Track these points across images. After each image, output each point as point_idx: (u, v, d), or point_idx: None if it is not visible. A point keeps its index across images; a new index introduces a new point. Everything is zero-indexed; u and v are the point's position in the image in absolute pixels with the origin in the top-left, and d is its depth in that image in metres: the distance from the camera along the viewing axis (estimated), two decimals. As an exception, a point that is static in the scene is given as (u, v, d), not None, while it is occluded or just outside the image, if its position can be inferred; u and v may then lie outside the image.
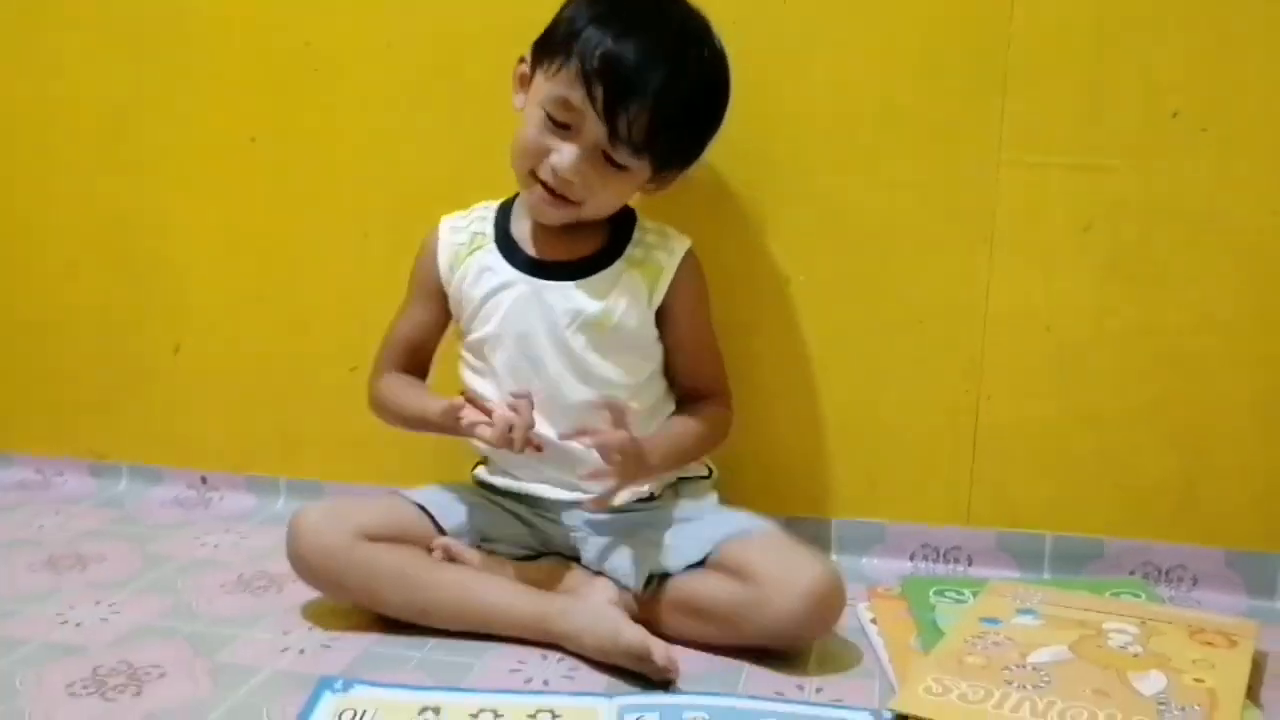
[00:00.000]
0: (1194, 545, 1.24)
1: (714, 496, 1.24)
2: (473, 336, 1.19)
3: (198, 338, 1.52)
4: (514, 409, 1.07)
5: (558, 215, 1.13)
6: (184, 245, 1.49)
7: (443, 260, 1.20)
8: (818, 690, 1.01)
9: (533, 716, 0.96)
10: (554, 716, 0.96)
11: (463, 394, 1.12)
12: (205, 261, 1.49)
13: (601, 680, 1.02)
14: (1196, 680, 0.98)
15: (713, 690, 0.99)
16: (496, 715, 0.96)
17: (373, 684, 1.01)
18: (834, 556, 1.31)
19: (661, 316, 1.18)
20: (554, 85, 1.08)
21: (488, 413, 1.08)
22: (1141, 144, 1.19)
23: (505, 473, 1.21)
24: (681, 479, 1.23)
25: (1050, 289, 1.23)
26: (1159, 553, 1.25)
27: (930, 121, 1.23)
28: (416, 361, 1.24)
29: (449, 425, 1.10)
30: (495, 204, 1.24)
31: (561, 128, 1.09)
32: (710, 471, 1.26)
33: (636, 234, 1.19)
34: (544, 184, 1.12)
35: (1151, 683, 0.98)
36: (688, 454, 1.18)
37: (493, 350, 1.17)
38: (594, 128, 1.07)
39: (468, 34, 1.33)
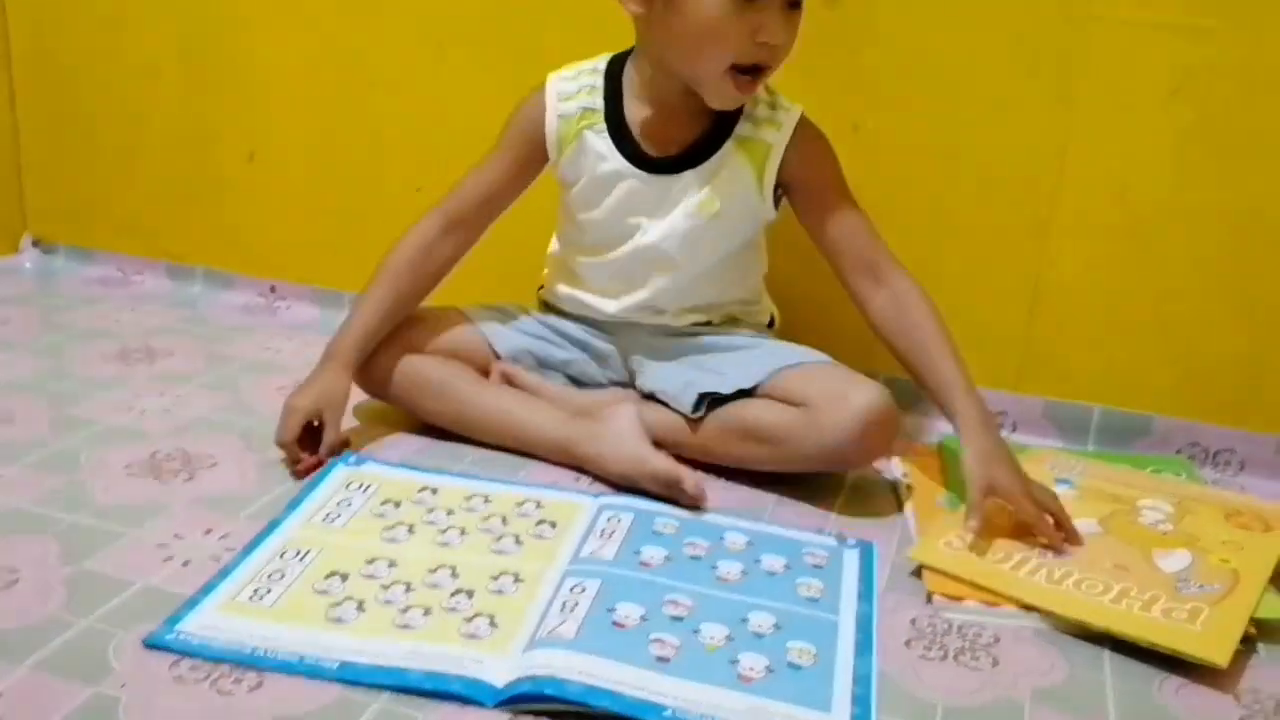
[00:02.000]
0: (1246, 430, 1.22)
1: (769, 339, 1.24)
2: (581, 215, 1.17)
3: (271, 148, 1.54)
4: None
5: (755, 90, 1.09)
6: (262, 55, 1.50)
7: (550, 130, 1.15)
8: (837, 531, 1.03)
9: (520, 504, 1.03)
10: (538, 506, 1.03)
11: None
12: (282, 73, 1.50)
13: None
14: (1222, 560, 0.98)
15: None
16: (486, 500, 1.03)
17: (382, 462, 1.09)
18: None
19: (790, 195, 1.15)
20: None
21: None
22: (1241, 3, 1.12)
23: (570, 287, 1.22)
24: (739, 319, 1.23)
25: (1128, 154, 1.19)
26: (1208, 434, 1.23)
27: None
28: (481, 215, 1.19)
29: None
30: (603, 66, 1.16)
31: (751, 1, 1.01)
32: (772, 320, 1.27)
33: (748, 107, 1.13)
34: (746, 68, 1.05)
35: (1175, 560, 0.98)
36: (964, 367, 1.09)
37: (599, 233, 1.17)
38: None
39: None
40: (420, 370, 1.15)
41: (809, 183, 1.14)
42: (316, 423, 1.10)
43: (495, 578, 0.90)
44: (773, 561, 0.96)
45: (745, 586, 0.91)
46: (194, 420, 1.18)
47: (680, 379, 1.13)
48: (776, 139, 1.12)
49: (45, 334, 1.40)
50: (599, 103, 1.15)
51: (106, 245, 1.67)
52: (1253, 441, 1.22)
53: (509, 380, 1.19)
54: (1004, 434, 1.26)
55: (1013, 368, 1.28)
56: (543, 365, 1.20)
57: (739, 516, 1.03)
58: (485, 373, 1.19)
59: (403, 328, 1.17)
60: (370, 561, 0.91)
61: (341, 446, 1.12)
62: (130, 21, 1.56)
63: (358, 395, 1.19)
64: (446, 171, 1.26)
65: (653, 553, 0.95)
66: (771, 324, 1.26)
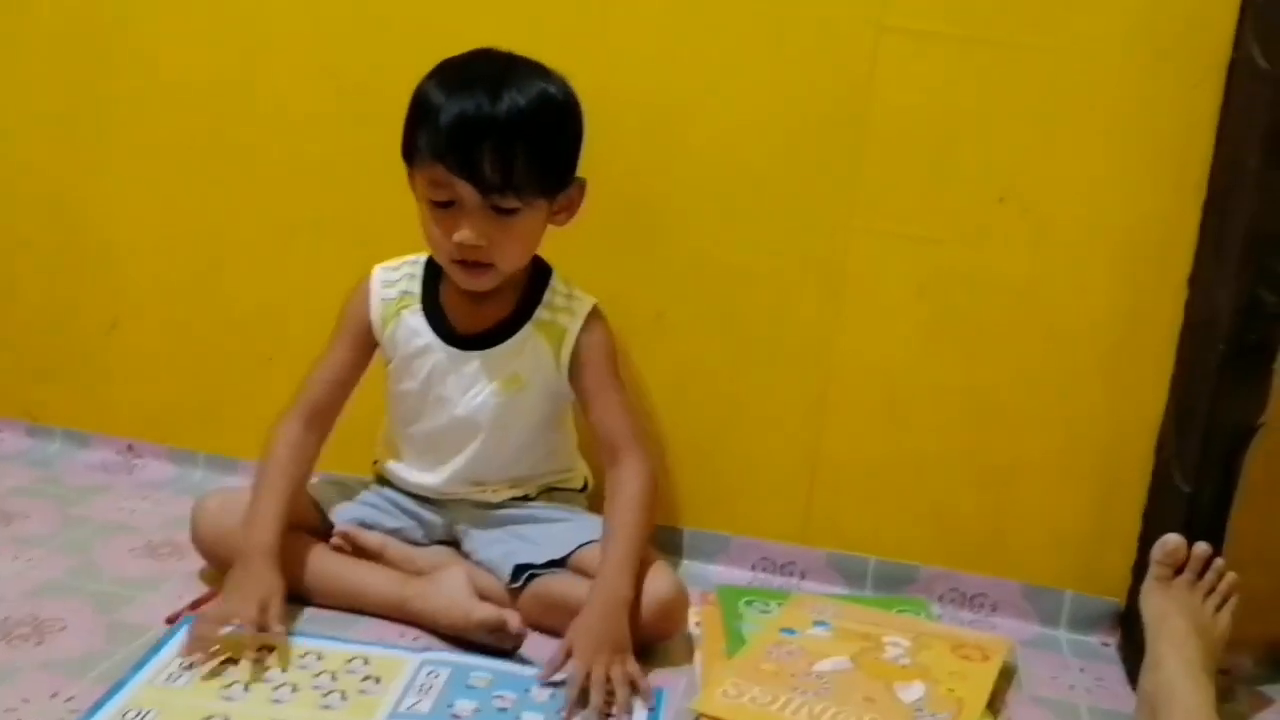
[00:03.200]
0: (995, 577, 1.41)
1: (583, 503, 1.39)
2: (399, 387, 1.32)
3: (132, 318, 1.65)
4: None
5: (484, 281, 1.24)
6: (125, 234, 1.62)
7: (374, 312, 1.31)
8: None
9: (349, 661, 1.15)
10: (366, 663, 1.14)
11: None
12: (143, 250, 1.62)
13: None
14: (949, 690, 1.15)
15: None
16: (319, 657, 1.15)
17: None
18: (684, 562, 1.47)
19: (571, 372, 1.30)
20: (421, 175, 1.20)
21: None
22: (971, 222, 1.35)
23: (396, 461, 1.36)
24: (555, 488, 1.38)
25: (887, 342, 1.39)
26: (964, 581, 1.42)
27: (791, 187, 1.38)
28: (333, 400, 1.32)
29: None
30: (423, 259, 1.32)
31: (446, 206, 1.19)
32: (585, 484, 1.42)
33: (547, 295, 1.30)
34: (461, 261, 1.22)
35: (913, 691, 1.15)
36: (637, 549, 1.20)
37: (414, 403, 1.31)
38: (466, 190, 1.17)
39: (390, 54, 1.43)
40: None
41: (585, 364, 1.29)
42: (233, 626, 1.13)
43: None
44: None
45: None
46: (46, 584, 1.26)
47: (500, 549, 1.27)
48: (571, 324, 1.29)
49: (-99, 497, 1.47)
50: (416, 288, 1.31)
51: (-35, 405, 1.74)
52: (1002, 586, 1.41)
53: (349, 540, 1.30)
54: (794, 581, 1.45)
55: (798, 523, 1.46)
56: (370, 531, 1.32)
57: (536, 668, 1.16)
58: (321, 538, 1.30)
59: (241, 506, 1.25)
60: (207, 719, 1.02)
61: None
62: (2, 204, 1.66)
63: (200, 562, 1.30)
64: (293, 341, 1.41)
65: (464, 705, 1.07)
66: (585, 488, 1.41)
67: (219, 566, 1.28)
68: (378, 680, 1.11)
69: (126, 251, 1.63)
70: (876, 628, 1.28)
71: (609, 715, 1.08)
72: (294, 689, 1.08)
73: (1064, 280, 1.34)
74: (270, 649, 1.13)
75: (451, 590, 1.22)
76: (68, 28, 1.59)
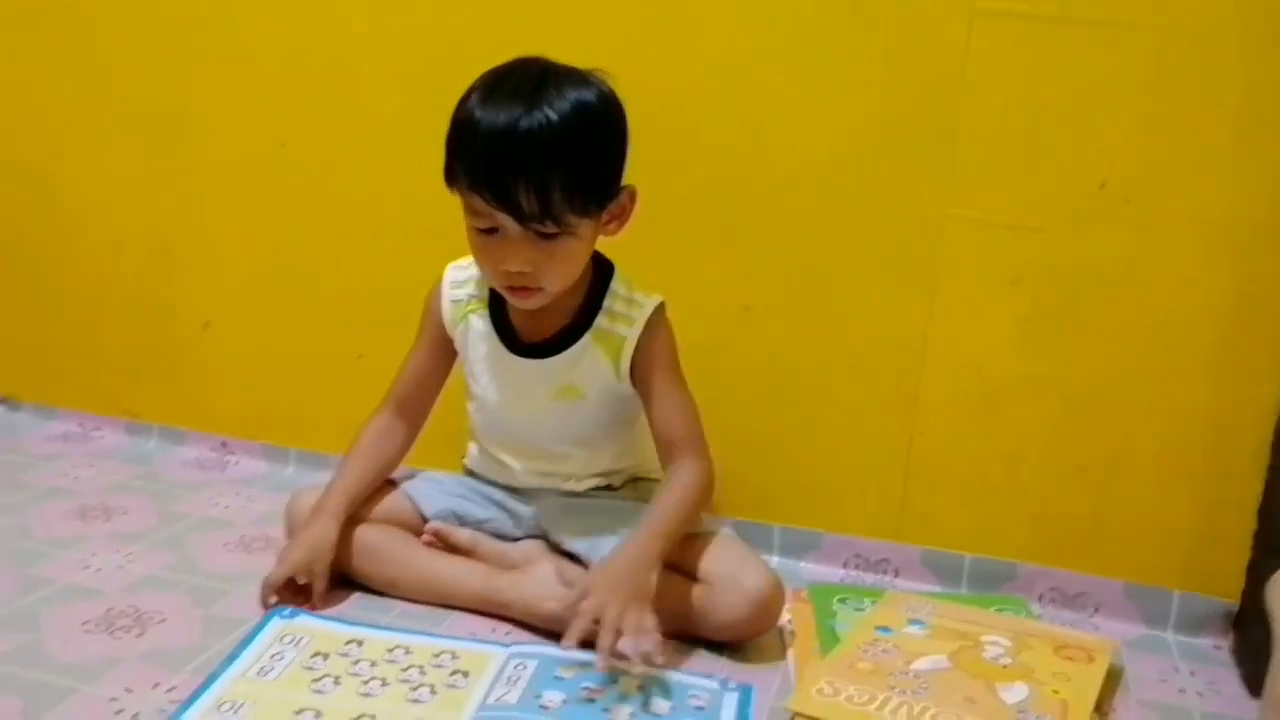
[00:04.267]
0: (1097, 575, 1.37)
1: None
2: (472, 387, 1.33)
3: (225, 317, 1.68)
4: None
5: (535, 302, 1.21)
6: (218, 235, 1.66)
7: (445, 313, 1.31)
8: (725, 678, 1.15)
9: (437, 655, 1.14)
10: (454, 657, 1.14)
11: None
12: (236, 250, 1.65)
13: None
14: (1054, 691, 1.11)
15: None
16: (407, 651, 1.15)
17: (315, 616, 1.21)
18: (775, 559, 1.45)
19: (632, 376, 1.27)
20: (464, 203, 1.18)
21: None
22: (1071, 210, 1.30)
23: (485, 464, 1.37)
24: (639, 478, 1.37)
25: (981, 335, 1.36)
26: (1065, 579, 1.38)
27: (882, 173, 1.35)
28: (420, 395, 1.34)
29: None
30: None
31: (491, 232, 1.17)
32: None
33: (607, 301, 1.26)
34: (509, 286, 1.20)
35: (1015, 692, 1.11)
36: (675, 528, 1.19)
37: (484, 404, 1.32)
38: (507, 220, 1.14)
39: (477, 56, 1.46)
40: (356, 536, 1.27)
41: (644, 369, 1.26)
42: (303, 580, 1.22)
43: None
44: (660, 704, 1.07)
45: None
46: (146, 578, 1.29)
47: (587, 539, 1.27)
48: (630, 333, 1.25)
49: (10, 493, 1.51)
50: (484, 292, 1.30)
51: (68, 403, 1.79)
52: (1104, 586, 1.37)
53: (441, 537, 1.31)
54: (887, 579, 1.42)
55: (892, 521, 1.43)
56: (464, 524, 1.33)
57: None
58: (417, 534, 1.31)
59: None
60: (298, 713, 1.02)
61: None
62: (97, 205, 1.71)
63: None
64: (383, 339, 1.42)
65: (552, 696, 1.06)
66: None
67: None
68: (466, 674, 1.11)
69: (219, 252, 1.66)
70: (975, 626, 1.24)
71: (621, 658, 1.06)
72: (383, 683, 1.08)
73: (1168, 269, 1.29)
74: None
75: (544, 580, 1.22)
76: (155, 32, 1.62)
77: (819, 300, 1.40)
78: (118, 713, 1.01)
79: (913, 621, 1.25)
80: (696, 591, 1.20)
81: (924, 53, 1.31)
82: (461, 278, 1.32)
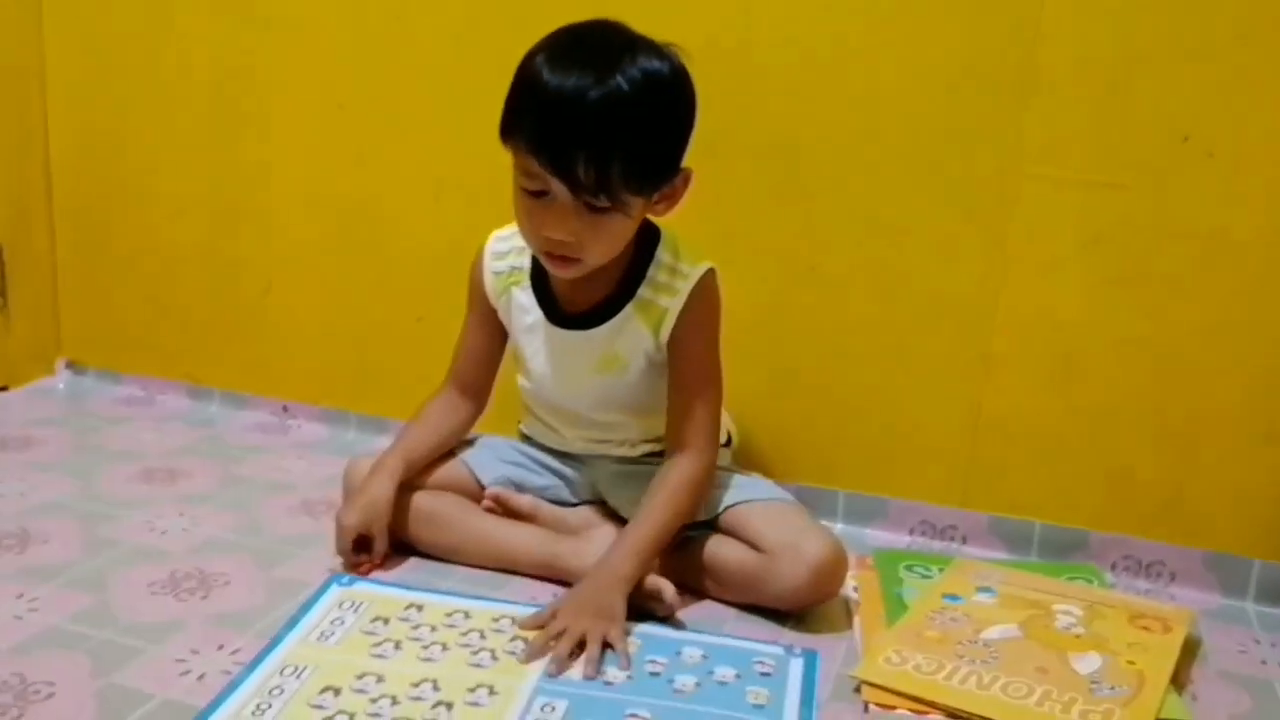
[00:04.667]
0: (1174, 544, 1.32)
1: (727, 459, 1.35)
2: (519, 357, 1.31)
3: (286, 281, 1.68)
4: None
5: (572, 272, 1.17)
6: (278, 198, 1.65)
7: (488, 284, 1.29)
8: (789, 644, 1.13)
9: (496, 620, 1.14)
10: (513, 621, 1.13)
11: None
12: (296, 214, 1.65)
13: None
14: (1129, 662, 1.08)
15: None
16: (467, 616, 1.15)
17: (373, 582, 1.20)
18: (839, 526, 1.43)
19: (669, 347, 1.23)
20: (517, 161, 1.13)
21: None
22: (1152, 165, 1.25)
23: (540, 431, 1.36)
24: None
25: (1057, 292, 1.31)
26: (1140, 547, 1.34)
27: (955, 131, 1.31)
28: (479, 369, 1.33)
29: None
30: None
31: (539, 195, 1.12)
32: (729, 439, 1.37)
33: (650, 271, 1.22)
34: (548, 253, 1.16)
35: (1088, 663, 1.08)
36: (655, 542, 1.16)
37: (530, 374, 1.30)
38: (560, 187, 1.10)
39: (536, 16, 1.43)
40: (413, 503, 1.26)
41: (678, 344, 1.23)
42: (366, 534, 1.22)
43: (472, 690, 1.01)
44: (725, 672, 1.06)
45: (699, 697, 1.02)
46: (210, 540, 1.30)
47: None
48: (672, 304, 1.21)
49: (77, 456, 1.53)
50: (525, 262, 1.27)
51: (132, 368, 1.81)
52: (1181, 554, 1.32)
53: (501, 503, 1.30)
54: (954, 546, 1.39)
55: (959, 486, 1.39)
56: (522, 491, 1.32)
57: (699, 631, 1.14)
58: (476, 502, 1.30)
59: None
60: (360, 677, 1.02)
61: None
62: (162, 168, 1.71)
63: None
64: (443, 302, 1.40)
65: (615, 671, 1.05)
66: (728, 442, 1.37)
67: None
68: (526, 640, 1.10)
69: (279, 217, 1.66)
70: (1046, 595, 1.21)
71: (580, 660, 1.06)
72: (444, 647, 1.08)
73: (1254, 225, 1.24)
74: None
75: (601, 548, 1.20)
76: (219, 7, 1.62)
77: (886, 260, 1.37)
78: (184, 673, 1.02)
79: (982, 589, 1.22)
80: (758, 560, 1.17)
81: (997, 3, 1.26)
82: (503, 249, 1.29)
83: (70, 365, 1.85)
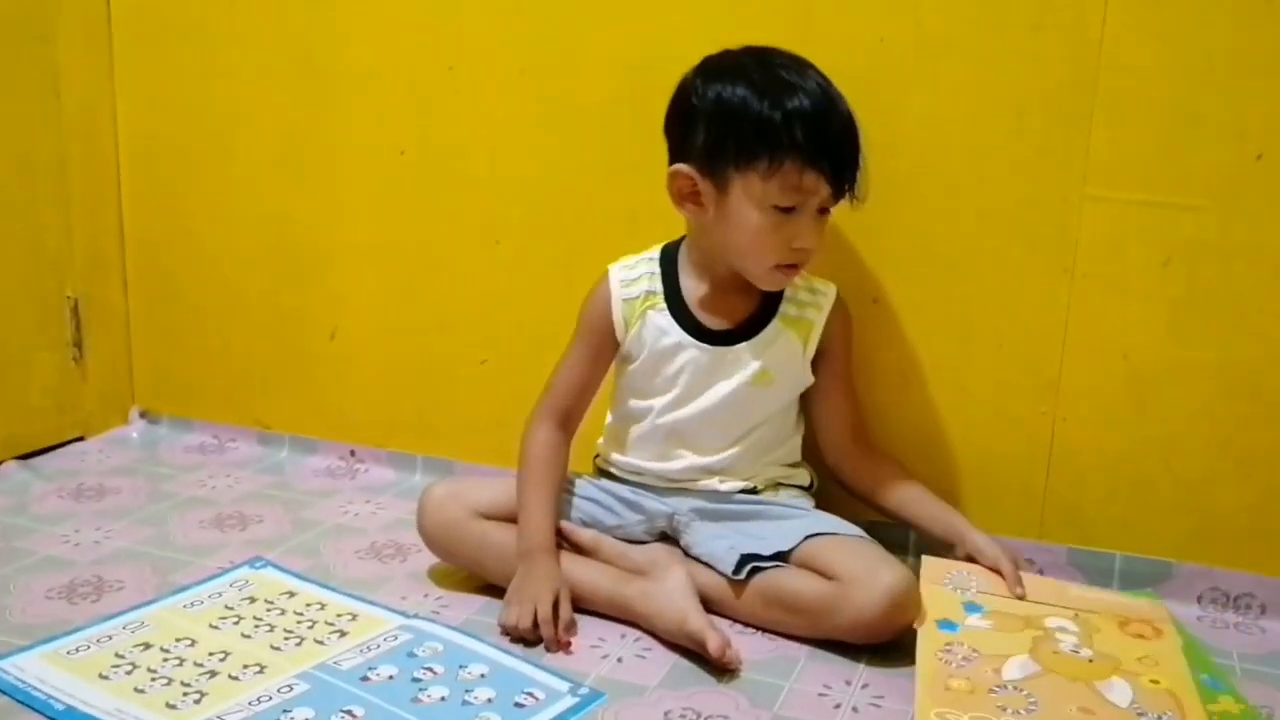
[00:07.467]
0: (1264, 575, 1.28)
1: (810, 502, 1.34)
2: (647, 383, 1.31)
3: (351, 326, 1.70)
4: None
5: (794, 278, 1.27)
6: (341, 244, 1.68)
7: (616, 312, 1.30)
8: (863, 686, 1.11)
9: (339, 615, 1.21)
10: (353, 619, 1.19)
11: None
12: (359, 259, 1.67)
13: (669, 660, 1.15)
14: (1153, 681, 1.06)
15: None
16: (321, 608, 1.22)
17: (279, 568, 1.32)
18: (912, 560, 1.39)
19: (816, 363, 1.31)
20: (775, 182, 1.17)
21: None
22: (1224, 185, 1.22)
23: (624, 454, 1.34)
24: (782, 484, 1.33)
25: (1128, 319, 1.28)
26: (1227, 579, 1.29)
27: (1016, 155, 1.29)
28: (579, 402, 1.33)
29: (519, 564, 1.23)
30: (658, 254, 1.32)
31: (789, 210, 1.18)
32: (812, 482, 1.37)
33: (789, 289, 1.29)
34: (787, 265, 1.22)
35: (1120, 692, 1.05)
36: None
37: (662, 398, 1.30)
38: (823, 194, 1.19)
39: (588, 63, 1.45)
40: (484, 534, 1.27)
41: (833, 352, 1.31)
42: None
43: (247, 666, 1.07)
44: (483, 693, 1.05)
45: (428, 710, 1.02)
46: (281, 584, 1.31)
47: (724, 542, 1.23)
48: (818, 318, 1.30)
49: (152, 503, 1.56)
50: (659, 286, 1.30)
51: (204, 415, 1.83)
52: (1271, 586, 1.28)
53: (564, 536, 1.29)
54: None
55: (1035, 519, 1.36)
56: (589, 527, 1.31)
57: (509, 652, 1.15)
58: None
59: (466, 496, 1.30)
60: (178, 640, 1.10)
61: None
62: (228, 219, 1.75)
63: (419, 564, 1.33)
64: (506, 345, 1.41)
65: (386, 670, 1.07)
66: (811, 485, 1.36)
67: (442, 555, 1.31)
68: (344, 634, 1.14)
69: (343, 263, 1.68)
70: (1030, 607, 1.18)
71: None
72: (271, 629, 1.14)
73: (1334, 244, 1.20)
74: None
75: (673, 592, 1.19)
76: (285, 51, 1.65)
77: (949, 290, 1.35)
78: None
79: (966, 606, 1.17)
80: (832, 588, 1.16)
81: (1058, 23, 1.25)
82: (631, 275, 1.31)
83: (144, 414, 1.88)
